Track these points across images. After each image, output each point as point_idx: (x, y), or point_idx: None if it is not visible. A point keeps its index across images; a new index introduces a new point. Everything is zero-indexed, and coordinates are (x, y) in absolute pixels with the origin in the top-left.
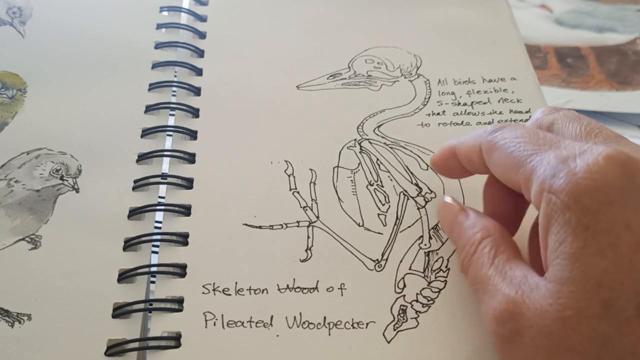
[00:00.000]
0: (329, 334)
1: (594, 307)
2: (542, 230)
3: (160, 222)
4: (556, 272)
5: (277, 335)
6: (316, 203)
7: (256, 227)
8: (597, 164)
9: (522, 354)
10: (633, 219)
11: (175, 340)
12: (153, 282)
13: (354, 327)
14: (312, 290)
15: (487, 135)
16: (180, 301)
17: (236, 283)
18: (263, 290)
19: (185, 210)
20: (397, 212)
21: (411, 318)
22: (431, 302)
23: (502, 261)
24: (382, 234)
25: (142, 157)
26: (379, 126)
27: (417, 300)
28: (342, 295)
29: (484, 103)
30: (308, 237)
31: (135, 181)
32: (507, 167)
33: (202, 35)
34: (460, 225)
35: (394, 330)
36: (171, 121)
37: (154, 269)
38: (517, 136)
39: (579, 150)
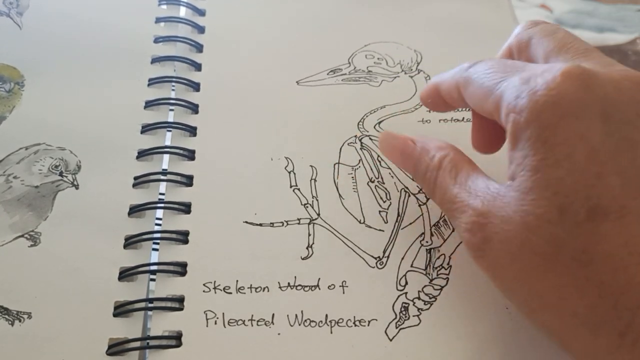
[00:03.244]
0: (331, 332)
1: (551, 212)
2: (509, 147)
3: (160, 220)
4: (520, 183)
5: (279, 334)
6: (317, 200)
7: (257, 224)
8: (555, 80)
9: (491, 258)
10: (587, 129)
11: (176, 339)
12: (153, 280)
13: (355, 325)
14: (313, 288)
15: (462, 72)
16: (180, 300)
17: (237, 281)
18: (264, 289)
19: (186, 208)
20: (398, 209)
21: (413, 315)
22: (433, 299)
23: (464, 178)
24: (383, 231)
25: (142, 154)
26: (379, 122)
27: (419, 298)
28: (343, 293)
29: None
30: (309, 235)
31: (135, 178)
32: (480, 98)
33: (201, 30)
34: (411, 154)
35: (396, 327)
36: (170, 117)
37: (154, 267)
38: (487, 68)
39: (541, 70)
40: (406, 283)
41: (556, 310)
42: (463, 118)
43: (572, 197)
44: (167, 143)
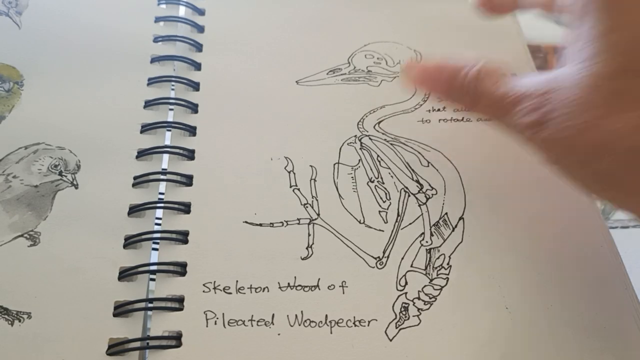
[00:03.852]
0: (331, 332)
1: (615, 71)
2: (570, 30)
3: (160, 220)
4: (584, 53)
5: (279, 334)
6: (317, 200)
7: (256, 224)
8: None
9: (551, 128)
10: None
11: (176, 339)
12: (153, 280)
13: (355, 325)
14: (313, 288)
15: None
16: (180, 300)
17: (237, 281)
18: (264, 289)
19: (185, 208)
20: (398, 209)
21: (413, 316)
22: (433, 299)
23: (507, 78)
24: (383, 231)
25: (142, 153)
26: (379, 122)
27: (419, 298)
28: (343, 293)
29: None
30: (309, 235)
31: (135, 177)
32: None
33: (200, 29)
34: (448, 69)
35: (396, 328)
36: (170, 117)
37: (154, 267)
38: None
39: None
40: (406, 283)
41: (612, 148)
42: (462, 118)
43: (633, 57)
44: (167, 143)
